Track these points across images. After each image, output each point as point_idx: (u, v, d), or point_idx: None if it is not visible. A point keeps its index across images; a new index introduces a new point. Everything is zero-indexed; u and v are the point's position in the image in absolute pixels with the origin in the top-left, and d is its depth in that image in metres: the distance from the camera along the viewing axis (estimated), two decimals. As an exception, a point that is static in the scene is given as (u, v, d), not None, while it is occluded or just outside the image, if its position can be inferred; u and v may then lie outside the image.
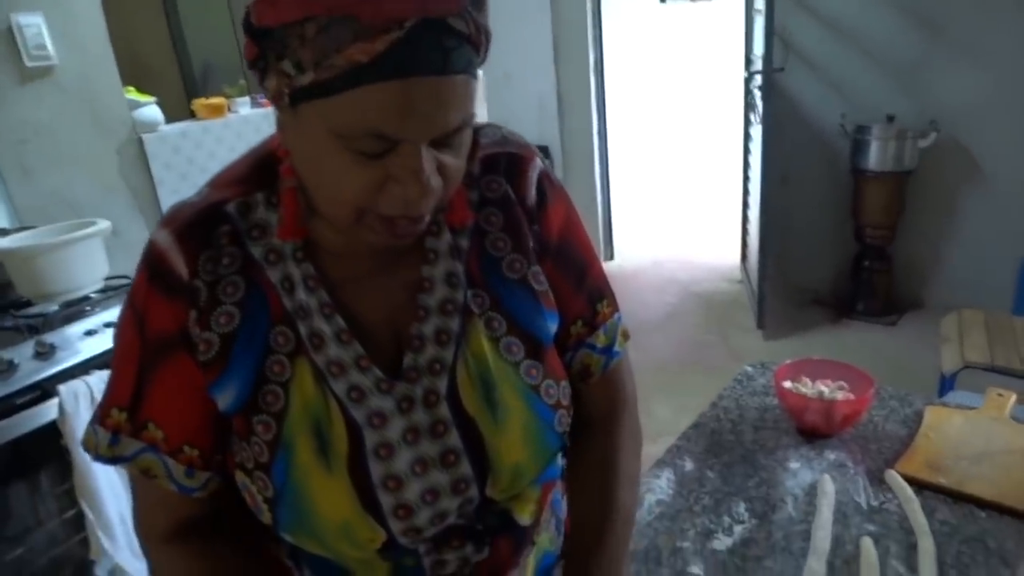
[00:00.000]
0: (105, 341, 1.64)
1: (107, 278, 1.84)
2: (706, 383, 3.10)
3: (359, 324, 0.68)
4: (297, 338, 0.65)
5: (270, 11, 0.53)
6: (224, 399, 0.65)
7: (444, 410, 0.68)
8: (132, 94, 2.36)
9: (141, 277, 0.65)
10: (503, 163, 0.74)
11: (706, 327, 3.63)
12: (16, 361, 1.51)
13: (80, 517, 1.62)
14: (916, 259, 3.53)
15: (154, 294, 0.64)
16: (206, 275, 0.64)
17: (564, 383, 0.75)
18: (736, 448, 1.16)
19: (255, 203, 0.66)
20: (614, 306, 0.82)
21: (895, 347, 3.26)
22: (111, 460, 0.68)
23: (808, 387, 1.21)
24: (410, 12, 0.51)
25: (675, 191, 5.67)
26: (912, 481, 1.02)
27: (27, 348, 1.56)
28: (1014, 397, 1.21)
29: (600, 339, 0.80)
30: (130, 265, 2.07)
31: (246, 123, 2.65)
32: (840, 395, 1.18)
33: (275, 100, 0.57)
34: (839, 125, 3.48)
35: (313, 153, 0.57)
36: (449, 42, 0.54)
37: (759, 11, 3.30)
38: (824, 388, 1.21)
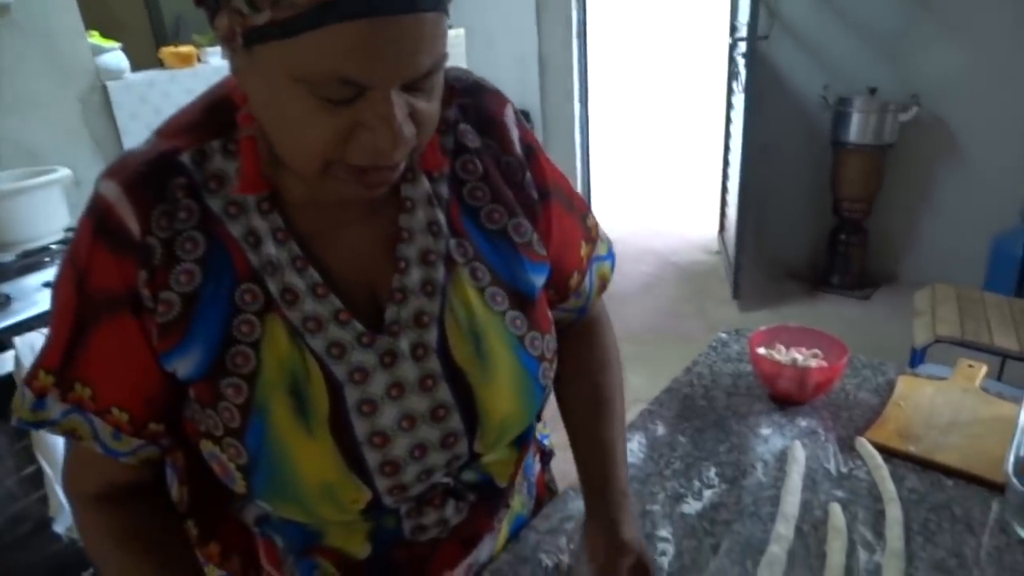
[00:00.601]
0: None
1: (67, 229, 1.78)
2: (681, 353, 3.10)
3: (333, 278, 0.64)
4: (266, 295, 0.61)
5: None
6: (187, 362, 0.61)
7: (434, 363, 0.66)
8: (95, 39, 2.26)
9: (85, 231, 0.59)
10: (474, 109, 0.71)
11: (682, 298, 3.64)
12: (-31, 312, 1.46)
13: (38, 474, 1.58)
14: (891, 233, 3.55)
15: (99, 250, 0.58)
16: (160, 231, 0.58)
17: (548, 336, 0.73)
18: (708, 414, 1.15)
19: (211, 152, 0.61)
20: (594, 216, 0.85)
21: (869, 320, 3.30)
22: (33, 424, 0.65)
23: (782, 354, 1.20)
24: None
25: (655, 159, 5.64)
26: (882, 449, 1.02)
27: (-19, 299, 1.51)
28: (984, 368, 1.21)
29: (602, 248, 0.85)
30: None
31: (217, 73, 2.54)
32: (814, 363, 1.17)
33: (227, 41, 0.52)
34: (821, 96, 3.46)
35: (274, 99, 0.52)
36: None
37: (746, -23, 3.26)
38: (798, 355, 1.20)
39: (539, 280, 0.73)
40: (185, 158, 0.60)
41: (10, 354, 1.47)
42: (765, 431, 1.10)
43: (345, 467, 0.63)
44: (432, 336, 0.66)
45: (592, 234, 0.83)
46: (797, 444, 1.04)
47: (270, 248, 0.61)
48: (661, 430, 1.12)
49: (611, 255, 0.87)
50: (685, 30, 5.63)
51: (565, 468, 0.91)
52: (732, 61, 3.64)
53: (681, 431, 1.11)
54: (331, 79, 0.50)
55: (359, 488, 0.64)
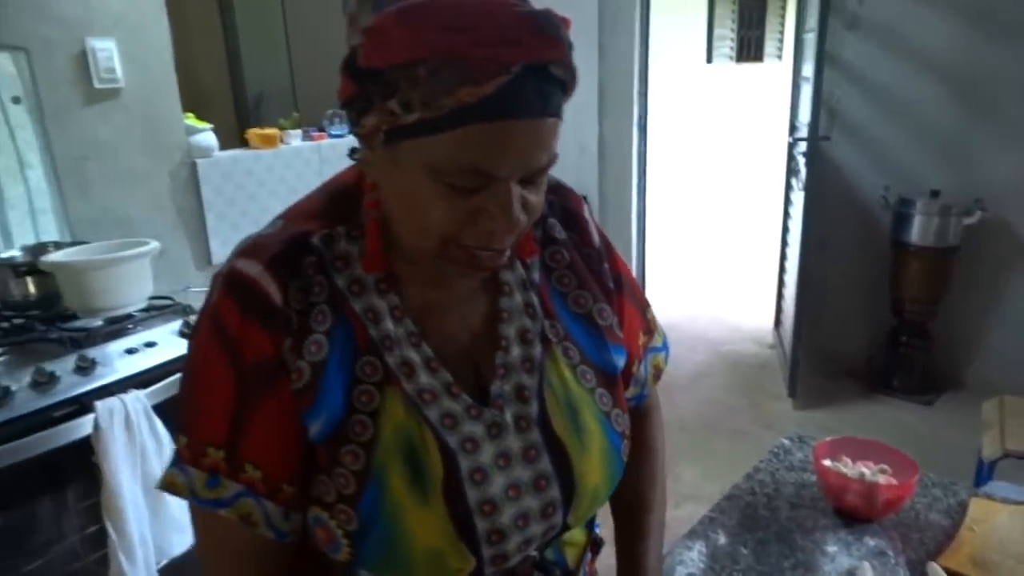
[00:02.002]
0: (145, 360, 1.67)
1: (151, 297, 1.88)
2: (734, 448, 3.05)
3: (442, 353, 0.69)
4: (385, 367, 0.66)
5: (381, 53, 0.55)
6: (313, 428, 0.64)
7: (535, 435, 0.70)
8: (191, 120, 2.43)
9: (230, 307, 0.63)
10: (559, 206, 0.79)
11: (735, 390, 3.58)
12: (57, 374, 1.54)
13: (100, 534, 1.62)
14: (957, 337, 3.46)
15: (249, 323, 0.62)
16: (296, 303, 0.64)
17: (626, 415, 0.78)
18: (771, 525, 1.13)
19: (337, 236, 0.67)
20: (652, 309, 0.91)
21: (931, 428, 3.18)
22: (211, 502, 0.64)
23: (849, 467, 1.18)
24: (518, 58, 0.54)
25: (711, 249, 5.65)
26: (956, 576, 0.99)
27: (69, 362, 1.59)
28: (1065, 495, 1.16)
29: (658, 340, 0.89)
30: (171, 285, 2.10)
31: (296, 155, 2.71)
32: (882, 479, 1.15)
33: (369, 137, 0.59)
34: (881, 197, 3.46)
35: (406, 187, 0.59)
36: (548, 87, 0.57)
37: (807, 79, 3.33)
38: (866, 470, 1.17)
39: (620, 361, 0.79)
40: (316, 240, 0.66)
41: (90, 417, 1.53)
42: (831, 548, 1.08)
43: (455, 535, 0.65)
44: (533, 409, 0.70)
45: (650, 326, 0.89)
46: (866, 566, 1.01)
47: (388, 324, 0.67)
48: (722, 539, 1.11)
49: (666, 347, 0.92)
50: (744, 124, 5.72)
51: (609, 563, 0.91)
52: (792, 158, 3.68)
53: (743, 542, 1.10)
54: (464, 171, 0.56)
55: (465, 557, 0.66)
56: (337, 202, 0.69)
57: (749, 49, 5.66)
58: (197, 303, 2.25)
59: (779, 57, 6.06)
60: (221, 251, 2.51)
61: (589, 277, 0.78)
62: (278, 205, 2.48)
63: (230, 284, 0.64)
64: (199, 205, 2.43)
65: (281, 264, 0.64)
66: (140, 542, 1.60)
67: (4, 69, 1.98)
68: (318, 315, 0.64)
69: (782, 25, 6.06)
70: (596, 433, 0.72)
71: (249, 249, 0.66)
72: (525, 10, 0.55)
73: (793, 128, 3.68)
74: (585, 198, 4.04)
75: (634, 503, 0.89)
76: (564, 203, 0.79)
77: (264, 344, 0.63)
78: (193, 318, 1.80)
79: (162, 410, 1.64)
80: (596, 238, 0.80)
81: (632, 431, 0.87)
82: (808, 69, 3.30)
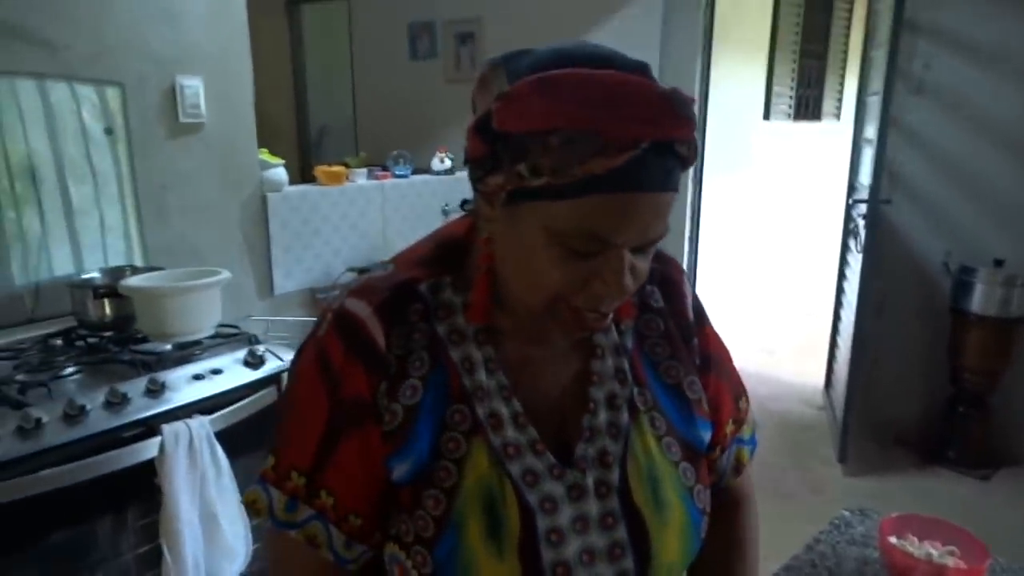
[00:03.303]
0: (210, 386, 1.71)
1: (218, 325, 1.94)
2: (781, 512, 2.97)
3: (530, 409, 0.70)
4: (474, 417, 0.67)
5: (516, 119, 0.58)
6: (399, 470, 0.66)
7: (615, 502, 0.69)
8: (264, 155, 2.53)
9: (336, 343, 0.66)
10: (659, 273, 0.79)
11: (783, 451, 3.50)
12: (129, 395, 1.59)
13: (154, 554, 1.65)
14: (1017, 411, 3.34)
15: (352, 362, 0.66)
16: (397, 348, 0.67)
17: (707, 492, 0.77)
18: (833, 600, 1.11)
19: (444, 285, 0.70)
20: (748, 399, 0.89)
21: (987, 504, 3.06)
22: (287, 525, 0.68)
23: (915, 546, 1.15)
24: (650, 136, 0.56)
25: (763, 306, 5.59)
26: (1030, 671, 0.95)
27: (140, 384, 1.64)
28: None
29: (746, 432, 0.87)
30: (235, 313, 2.16)
31: (360, 192, 2.79)
32: (951, 561, 1.12)
33: (491, 195, 0.62)
34: (943, 263, 3.40)
35: (523, 245, 0.61)
36: (671, 162, 0.59)
37: (869, 140, 3.32)
38: (933, 551, 1.14)
39: (707, 436, 0.78)
40: (423, 288, 0.70)
41: (156, 440, 1.58)
42: (897, 630, 1.05)
43: None
44: (615, 476, 0.70)
45: (742, 415, 0.87)
46: (934, 652, 0.98)
47: (482, 375, 0.68)
48: (783, 612, 1.08)
49: (754, 441, 0.90)
50: (800, 182, 5.69)
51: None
52: (849, 219, 3.64)
53: (804, 616, 1.07)
54: (583, 236, 0.59)
55: None
56: (446, 251, 0.72)
57: (807, 107, 5.65)
58: (259, 331, 2.32)
59: (837, 117, 6.05)
60: (284, 283, 2.58)
61: (683, 348, 0.78)
62: (340, 241, 2.56)
63: (339, 321, 0.67)
64: (266, 237, 2.52)
65: (388, 309, 0.67)
66: (193, 566, 1.62)
67: (100, 102, 2.10)
68: (416, 361, 0.67)
69: (841, 85, 6.06)
70: (677, 508, 0.71)
71: (361, 290, 0.69)
72: (661, 90, 0.57)
73: (852, 189, 3.65)
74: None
75: None
76: (665, 271, 0.80)
77: (362, 384, 0.66)
78: (258, 348, 1.85)
79: (224, 437, 1.68)
80: (691, 312, 0.80)
81: (721, 524, 0.85)
82: (871, 131, 3.29)
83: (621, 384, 0.73)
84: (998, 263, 3.18)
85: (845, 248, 3.72)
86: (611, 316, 0.67)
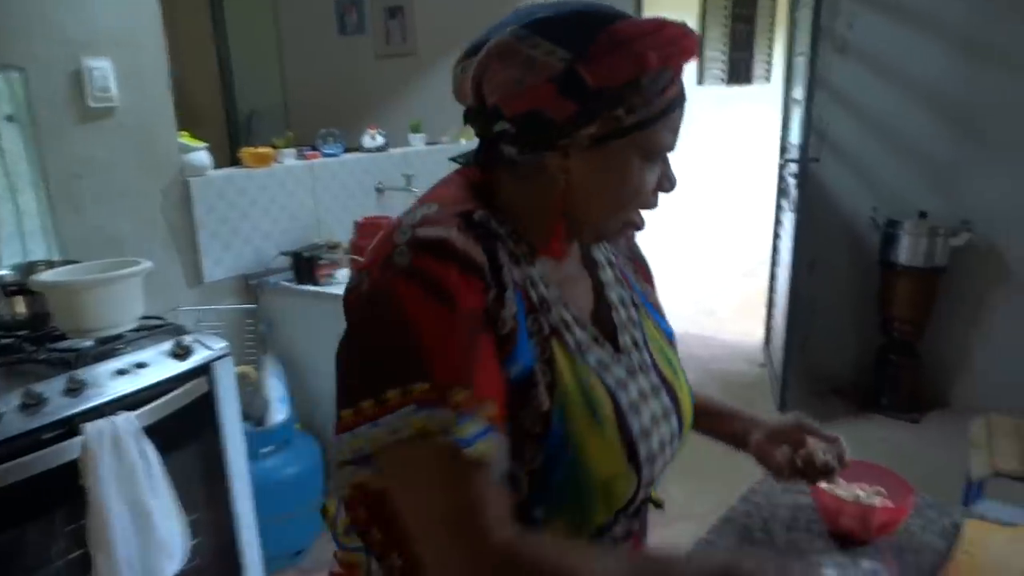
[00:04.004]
0: (135, 381, 1.64)
1: (142, 317, 1.86)
2: (722, 467, 3.03)
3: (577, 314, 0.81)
4: (549, 323, 0.75)
5: (610, 74, 0.69)
6: (515, 369, 0.71)
7: (654, 377, 0.84)
8: (185, 138, 2.42)
9: (433, 264, 0.67)
10: None
11: (726, 409, 3.58)
12: (46, 395, 1.52)
13: (86, 559, 1.59)
14: (943, 357, 3.49)
15: (461, 277, 0.67)
16: (492, 263, 0.71)
17: None
18: (766, 549, 1.13)
19: (489, 218, 0.75)
20: None
21: (918, 445, 3.20)
22: (464, 441, 0.63)
23: (844, 489, 1.18)
24: (687, 59, 0.72)
25: (700, 268, 5.68)
26: (952, 601, 0.99)
27: (58, 383, 1.56)
28: (1057, 518, 1.17)
29: None
30: (162, 305, 2.07)
31: (289, 173, 2.71)
32: (878, 501, 1.15)
33: (571, 146, 0.71)
34: (870, 218, 3.50)
35: (612, 176, 0.74)
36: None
37: (797, 101, 3.37)
38: (861, 492, 1.18)
39: (671, 330, 0.96)
40: (479, 216, 0.74)
41: (78, 440, 1.51)
42: (828, 572, 1.07)
43: (626, 459, 0.75)
44: (647, 356, 0.85)
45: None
46: (862, 586, 1.01)
47: (543, 289, 0.77)
48: (720, 563, 1.10)
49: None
50: (734, 145, 5.77)
51: None
52: (782, 179, 3.72)
53: (740, 565, 1.09)
54: (663, 150, 0.75)
55: (631, 480, 0.76)
56: (475, 192, 0.77)
57: (739, 71, 5.72)
58: (189, 322, 2.24)
59: (767, 79, 6.13)
60: (214, 270, 2.50)
61: (639, 266, 0.97)
62: (271, 224, 2.47)
63: (424, 247, 0.68)
64: (191, 224, 2.42)
65: (468, 230, 0.70)
66: (127, 567, 1.57)
67: (0, 88, 1.98)
68: (507, 274, 0.72)
69: (770, 47, 6.14)
70: (683, 377, 0.89)
71: (434, 218, 0.70)
72: (681, 24, 0.71)
73: (783, 149, 3.72)
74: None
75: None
76: None
77: (474, 294, 0.68)
78: (185, 338, 1.79)
79: (154, 432, 1.62)
80: (633, 241, 0.99)
81: None
82: (799, 92, 3.35)
83: (622, 287, 0.89)
84: (922, 215, 3.29)
85: (779, 208, 3.80)
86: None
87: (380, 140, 3.05)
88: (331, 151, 2.90)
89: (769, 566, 0.67)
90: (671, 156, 0.79)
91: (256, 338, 2.57)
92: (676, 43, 0.70)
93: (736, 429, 1.05)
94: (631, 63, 0.68)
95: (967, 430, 2.47)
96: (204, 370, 1.75)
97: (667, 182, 0.79)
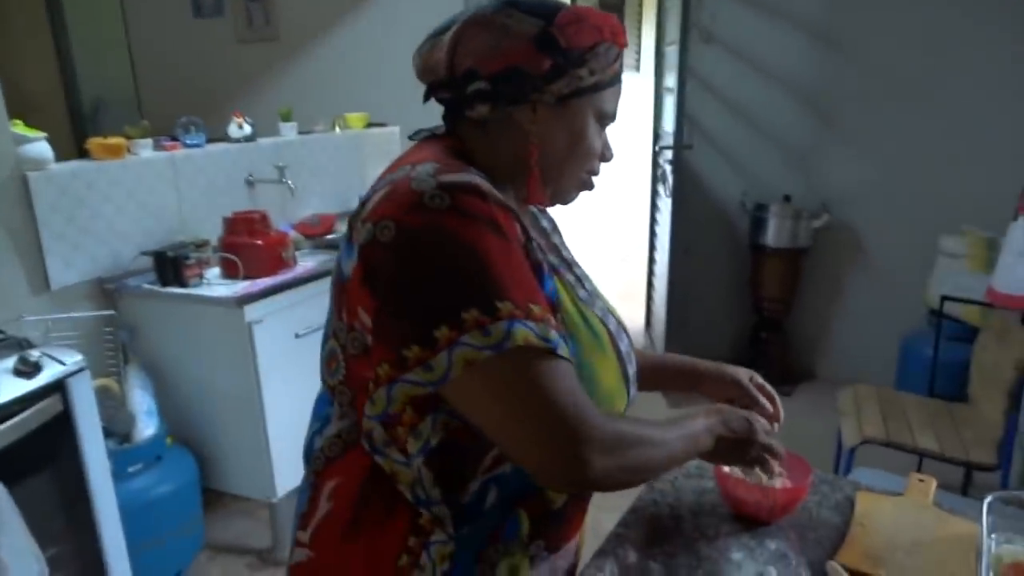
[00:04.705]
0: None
1: (-24, 330, 1.64)
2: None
3: None
4: (548, 262, 0.84)
5: (581, 38, 0.81)
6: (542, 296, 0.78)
7: (613, 319, 0.94)
8: (18, 128, 2.15)
9: (473, 202, 0.73)
10: None
11: (612, 392, 3.65)
12: None
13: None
14: (808, 332, 3.72)
15: (502, 212, 0.75)
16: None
17: None
18: (676, 536, 1.13)
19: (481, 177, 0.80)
20: None
21: (791, 416, 3.35)
22: (555, 343, 0.72)
23: (747, 472, 1.20)
24: (623, 44, 0.85)
25: (580, 255, 5.78)
26: (853, 573, 1.02)
27: None
28: (935, 483, 1.24)
29: None
30: (2, 315, 1.82)
31: (146, 167, 2.48)
32: (779, 482, 1.17)
33: (545, 100, 0.82)
34: (740, 202, 3.66)
35: (574, 132, 0.84)
36: None
37: (669, 90, 3.47)
38: (761, 474, 1.19)
39: None
40: (486, 179, 0.79)
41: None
42: (736, 555, 1.08)
43: (621, 376, 0.87)
44: (604, 304, 0.95)
45: None
46: (772, 571, 1.03)
47: (533, 234, 0.83)
48: (632, 557, 1.09)
49: None
50: (610, 134, 5.89)
51: None
52: (657, 166, 3.82)
53: (652, 556, 1.08)
54: (610, 115, 0.87)
55: (624, 397, 0.89)
56: (459, 158, 0.81)
57: (609, 60, 5.83)
58: (34, 336, 2.00)
59: (637, 69, 6.31)
60: (63, 275, 2.24)
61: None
62: (129, 223, 2.24)
63: (460, 189, 0.73)
64: (32, 224, 2.16)
65: (484, 179, 0.78)
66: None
67: None
68: (516, 216, 0.79)
69: (639, 38, 6.32)
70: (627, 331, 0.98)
71: (444, 171, 0.75)
72: (615, 16, 0.86)
73: (657, 137, 3.82)
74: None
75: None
76: None
77: (514, 228, 0.77)
78: (32, 353, 1.58)
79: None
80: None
81: None
82: (671, 80, 3.44)
83: (567, 252, 1.00)
84: (786, 199, 3.48)
85: (655, 194, 3.91)
86: None
87: (248, 129, 2.85)
88: (193, 141, 2.68)
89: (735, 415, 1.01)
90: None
91: (116, 347, 2.34)
92: (617, 27, 0.84)
93: (687, 369, 1.26)
94: (592, 32, 0.81)
95: (834, 400, 2.64)
96: (57, 387, 1.56)
97: (608, 151, 0.90)
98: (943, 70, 3.18)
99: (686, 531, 1.14)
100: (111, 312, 2.34)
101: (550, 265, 0.85)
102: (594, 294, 0.95)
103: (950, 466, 2.25)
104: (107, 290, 2.38)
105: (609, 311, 0.95)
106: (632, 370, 0.92)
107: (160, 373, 2.37)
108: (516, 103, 0.81)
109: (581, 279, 0.96)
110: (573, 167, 0.87)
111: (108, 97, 4.98)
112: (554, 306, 0.80)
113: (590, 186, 0.92)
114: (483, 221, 0.72)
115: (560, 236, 1.04)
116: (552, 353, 0.71)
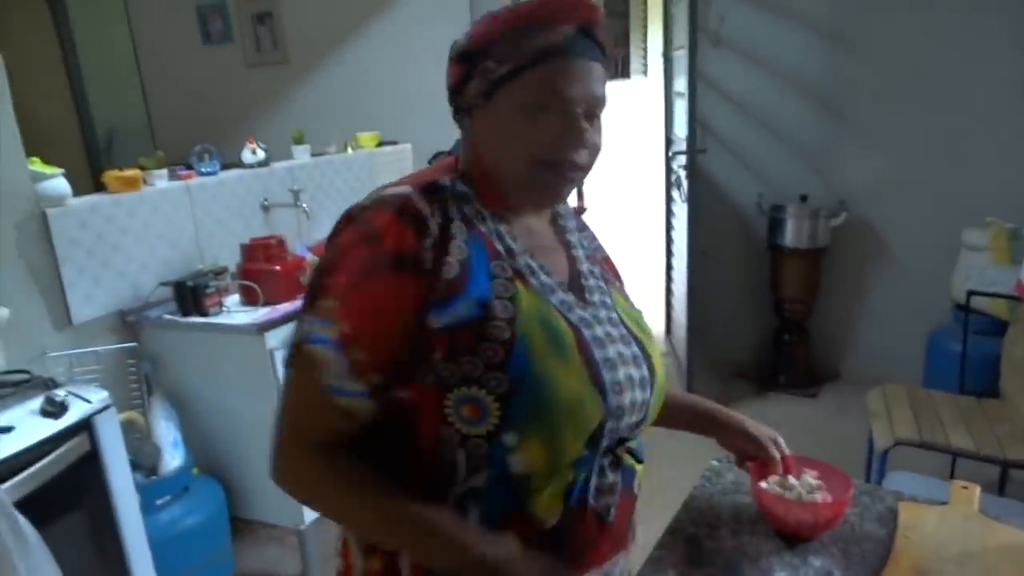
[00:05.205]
0: (1, 448, 1.44)
1: (2, 372, 1.64)
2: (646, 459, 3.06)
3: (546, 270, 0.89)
4: (513, 268, 0.84)
5: (482, 33, 0.82)
6: (464, 308, 0.78)
7: (622, 328, 0.91)
8: (36, 165, 2.17)
9: (381, 212, 0.80)
10: (577, 210, 1.10)
11: (636, 401, 3.63)
12: None
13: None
14: (832, 332, 3.67)
15: (398, 222, 0.79)
16: (439, 217, 0.82)
17: None
18: (717, 557, 1.10)
19: (457, 182, 0.87)
20: None
21: (818, 419, 3.34)
22: (303, 339, 0.79)
23: (785, 486, 1.17)
24: (573, 18, 0.81)
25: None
26: (902, 589, 0.99)
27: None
28: (978, 490, 1.21)
29: None
30: (25, 353, 1.83)
31: (163, 197, 2.49)
32: (819, 496, 1.15)
33: (473, 103, 0.84)
34: (756, 204, 3.63)
35: (504, 125, 0.82)
36: (594, 44, 0.83)
37: (680, 94, 3.44)
38: (797, 484, 1.17)
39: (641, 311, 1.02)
40: (445, 182, 0.86)
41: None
42: (780, 575, 1.06)
43: (590, 382, 0.81)
44: (614, 313, 0.92)
45: None
46: (819, 591, 1.00)
47: (509, 240, 0.86)
48: (674, 580, 1.06)
49: None
50: (621, 140, 5.88)
51: None
52: (670, 171, 3.79)
53: (694, 579, 1.06)
54: (545, 93, 0.80)
55: (598, 403, 0.81)
56: (446, 172, 0.88)
57: (618, 67, 5.83)
58: (57, 371, 2.01)
59: (644, 73, 6.30)
60: (84, 309, 2.25)
61: (608, 258, 1.05)
62: (147, 254, 2.25)
63: (384, 200, 0.81)
64: (53, 260, 2.17)
65: (426, 191, 0.83)
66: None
67: None
68: (456, 228, 0.82)
69: (645, 42, 6.30)
70: (654, 339, 0.96)
71: (398, 183, 0.85)
72: None
73: (669, 142, 3.80)
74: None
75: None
76: (578, 209, 1.12)
77: (408, 237, 0.79)
78: (58, 393, 1.58)
79: (29, 505, 1.42)
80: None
81: None
82: (680, 84, 3.42)
83: (591, 263, 0.97)
84: (803, 199, 3.44)
85: (669, 199, 3.88)
86: (582, 174, 0.85)
87: (261, 154, 2.86)
88: (208, 169, 2.69)
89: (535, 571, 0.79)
90: (587, 112, 0.83)
91: (139, 379, 2.35)
92: (541, 5, 0.81)
93: (708, 416, 1.18)
94: (495, 23, 0.81)
95: (860, 400, 2.60)
96: (83, 427, 1.56)
97: (569, 135, 0.82)
98: (955, 65, 3.14)
99: (727, 551, 1.11)
100: (133, 344, 2.35)
101: (515, 271, 0.84)
102: (575, 301, 0.88)
103: (985, 464, 2.20)
104: (128, 322, 2.39)
105: (626, 321, 0.92)
106: (619, 377, 0.85)
107: (184, 403, 2.37)
108: (458, 116, 0.88)
109: (578, 280, 0.92)
110: (511, 160, 0.83)
111: (121, 128, 5.03)
112: (484, 315, 0.79)
113: (563, 176, 0.84)
114: (366, 232, 0.80)
115: (581, 235, 1.01)
116: (301, 343, 0.79)
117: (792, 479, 1.18)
